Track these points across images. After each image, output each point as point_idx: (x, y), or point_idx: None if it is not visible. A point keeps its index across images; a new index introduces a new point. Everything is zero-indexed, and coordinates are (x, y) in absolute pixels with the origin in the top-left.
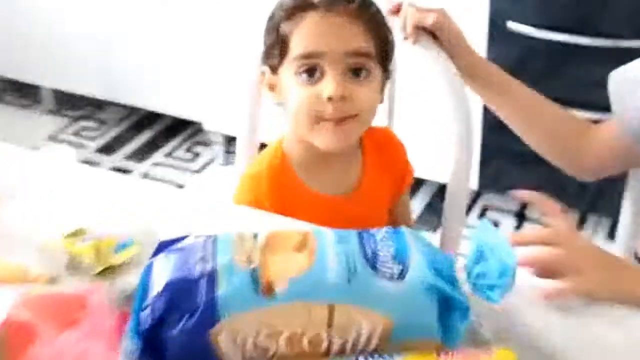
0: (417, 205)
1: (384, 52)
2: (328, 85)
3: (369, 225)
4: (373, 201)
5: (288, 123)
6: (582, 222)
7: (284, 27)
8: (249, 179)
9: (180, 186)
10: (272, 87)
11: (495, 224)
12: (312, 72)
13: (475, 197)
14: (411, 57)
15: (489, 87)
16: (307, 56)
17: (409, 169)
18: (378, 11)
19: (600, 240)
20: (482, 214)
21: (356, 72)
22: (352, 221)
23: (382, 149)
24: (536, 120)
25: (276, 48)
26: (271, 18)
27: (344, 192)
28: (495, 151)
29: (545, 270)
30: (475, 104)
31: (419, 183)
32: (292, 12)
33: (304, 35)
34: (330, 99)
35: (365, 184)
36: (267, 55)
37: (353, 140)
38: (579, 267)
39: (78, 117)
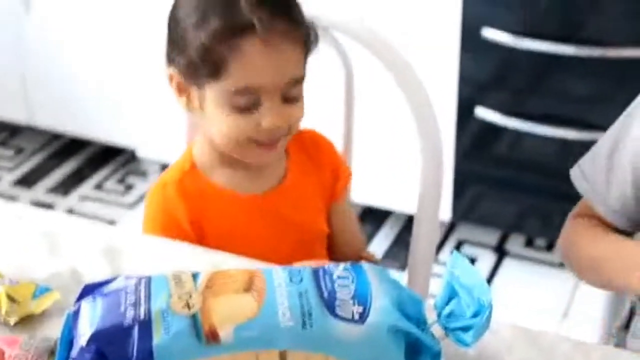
0: (383, 239)
1: (308, 56)
2: (267, 117)
3: (299, 228)
4: (299, 201)
5: (201, 131)
6: None
7: (218, 50)
8: (155, 189)
9: (112, 223)
10: (181, 91)
11: (472, 260)
12: (247, 100)
13: (449, 229)
14: (375, 85)
15: None
16: (246, 91)
17: (342, 170)
18: (302, 14)
19: None
20: (458, 248)
21: (289, 95)
22: (277, 221)
23: (308, 149)
24: None
25: (204, 69)
26: (186, 27)
27: (263, 191)
28: (470, 178)
29: None
30: (446, 126)
31: (386, 215)
32: (228, 35)
33: (244, 67)
34: (267, 129)
35: (288, 183)
36: (186, 69)
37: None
38: None
39: None
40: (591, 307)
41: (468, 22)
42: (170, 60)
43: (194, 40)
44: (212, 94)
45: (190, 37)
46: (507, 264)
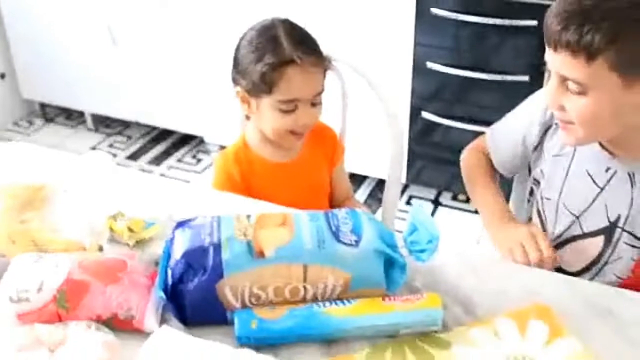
0: (361, 194)
1: (325, 76)
2: (302, 117)
3: (312, 187)
4: (311, 168)
5: (253, 124)
6: None
7: (271, 76)
8: (221, 157)
9: (188, 182)
10: (244, 101)
11: None
12: (289, 107)
13: (404, 188)
14: (362, 95)
15: None
16: (289, 101)
17: (338, 145)
18: (322, 52)
19: None
20: (408, 201)
21: (315, 102)
22: (296, 181)
23: (316, 133)
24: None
25: (262, 88)
26: (249, 62)
27: (287, 160)
28: (418, 155)
29: None
30: (404, 120)
31: (363, 178)
32: (277, 66)
33: (288, 87)
34: (303, 125)
35: (302, 155)
36: (251, 90)
37: None
38: None
39: (111, 133)
40: None
41: (417, 58)
42: (236, 82)
43: (255, 70)
44: (266, 102)
45: (250, 68)
46: (440, 211)
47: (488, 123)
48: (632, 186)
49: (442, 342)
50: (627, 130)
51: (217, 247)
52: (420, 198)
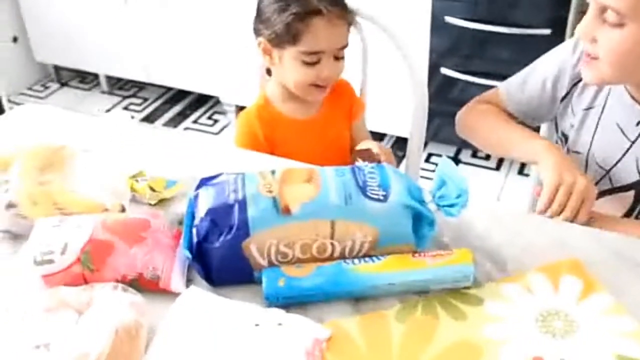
0: None
1: (350, 30)
2: (325, 70)
3: (333, 143)
4: (329, 124)
5: (275, 78)
6: (500, 162)
7: (296, 25)
8: (243, 115)
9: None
10: (267, 52)
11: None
12: (313, 59)
13: (424, 146)
14: (382, 51)
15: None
16: (314, 52)
17: (356, 101)
18: (348, 6)
19: (514, 176)
20: (428, 159)
21: (338, 55)
22: (317, 138)
23: (336, 90)
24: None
25: (286, 38)
26: (274, 11)
27: (308, 117)
28: (437, 112)
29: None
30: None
31: (381, 136)
32: (303, 16)
33: (313, 37)
34: (326, 78)
35: (322, 111)
36: (274, 40)
37: None
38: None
39: (126, 95)
40: (516, 193)
41: (436, 13)
42: (258, 32)
43: (279, 19)
44: (289, 54)
45: (274, 18)
46: (460, 168)
47: (507, 78)
48: None
49: (474, 298)
50: None
51: (243, 204)
52: (440, 155)
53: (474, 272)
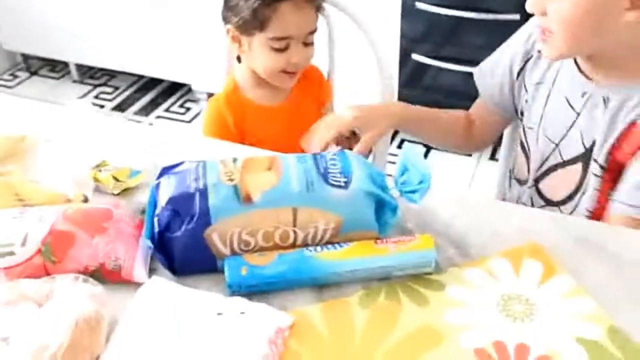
0: None
1: (318, 16)
2: (294, 55)
3: (300, 129)
4: (298, 110)
5: (244, 64)
6: None
7: (263, 11)
8: (212, 102)
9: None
10: (235, 40)
11: None
12: (281, 45)
13: (395, 133)
14: (347, 36)
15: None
16: (282, 38)
17: (324, 84)
18: None
19: (485, 162)
20: (400, 145)
21: (307, 41)
22: (286, 124)
23: (304, 76)
24: (441, 135)
25: (254, 24)
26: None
27: (277, 103)
28: (409, 98)
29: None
30: (394, 63)
31: None
32: (271, 2)
33: (280, 22)
34: (295, 64)
35: (291, 97)
36: (241, 26)
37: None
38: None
39: (97, 84)
40: (487, 179)
41: None
42: (227, 20)
43: (246, 5)
44: (258, 40)
45: (242, 4)
46: (432, 154)
47: (478, 64)
48: (604, 111)
49: (436, 283)
50: (610, 48)
51: (204, 193)
52: (412, 142)
53: (437, 258)
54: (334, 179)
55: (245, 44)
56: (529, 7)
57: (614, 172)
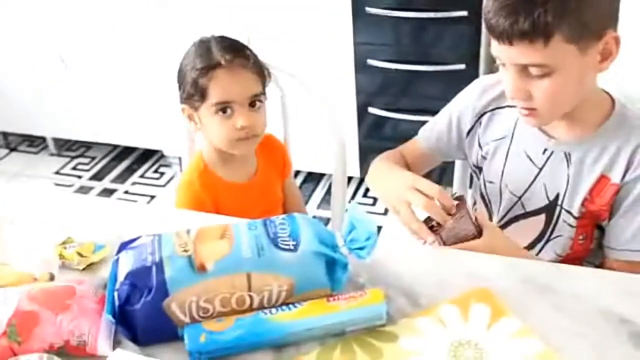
0: (319, 192)
1: (265, 85)
2: (239, 120)
3: (270, 202)
4: (267, 184)
5: (206, 141)
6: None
7: (201, 81)
8: (185, 184)
9: (153, 197)
10: (191, 118)
11: (375, 200)
12: (225, 111)
13: (359, 183)
14: (300, 102)
15: None
16: (222, 103)
17: (287, 160)
18: (257, 58)
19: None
20: (365, 194)
21: (253, 105)
22: (258, 199)
23: (268, 149)
24: None
25: (196, 96)
26: (185, 73)
27: (246, 180)
28: (370, 149)
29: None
30: (352, 117)
31: (320, 176)
32: (206, 71)
33: (218, 88)
34: (242, 127)
35: (259, 173)
36: (188, 100)
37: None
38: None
39: (74, 156)
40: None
41: (358, 55)
42: (181, 99)
43: (187, 79)
44: (204, 111)
45: (187, 78)
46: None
47: (434, 112)
48: (568, 166)
49: (389, 335)
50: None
51: (160, 266)
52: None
53: (388, 309)
54: (284, 242)
55: (197, 119)
56: (512, 96)
57: (588, 220)
